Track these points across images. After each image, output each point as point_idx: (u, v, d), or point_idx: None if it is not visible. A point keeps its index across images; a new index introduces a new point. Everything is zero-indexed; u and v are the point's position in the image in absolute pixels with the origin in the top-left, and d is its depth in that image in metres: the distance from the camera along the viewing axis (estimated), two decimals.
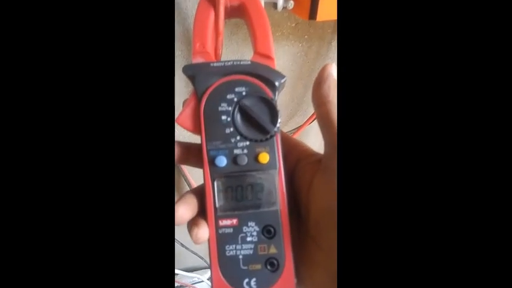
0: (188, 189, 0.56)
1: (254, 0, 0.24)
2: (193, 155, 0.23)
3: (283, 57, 0.41)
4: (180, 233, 0.57)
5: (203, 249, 0.63)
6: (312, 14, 0.32)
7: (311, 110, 0.46)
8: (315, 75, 0.47)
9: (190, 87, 0.44)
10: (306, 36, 0.40)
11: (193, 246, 0.61)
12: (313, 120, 0.44)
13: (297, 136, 0.46)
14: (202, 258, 0.64)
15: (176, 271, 0.57)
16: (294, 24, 0.38)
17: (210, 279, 0.22)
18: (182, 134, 0.45)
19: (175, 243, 0.59)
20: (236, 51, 0.38)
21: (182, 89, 0.41)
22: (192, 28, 0.23)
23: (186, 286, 0.64)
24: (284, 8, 0.33)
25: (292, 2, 0.33)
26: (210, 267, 0.22)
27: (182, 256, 0.61)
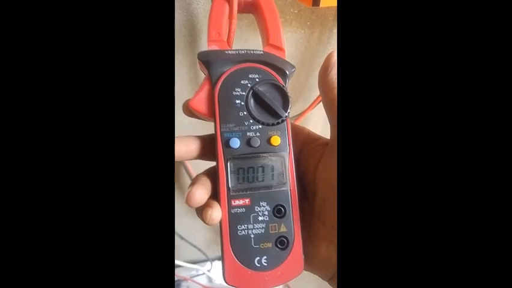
0: (188, 180, 0.58)
1: None
2: (210, 147, 0.24)
3: (286, 43, 0.43)
4: (178, 225, 0.59)
5: (201, 242, 0.64)
6: (316, 0, 0.35)
7: (313, 96, 0.49)
8: (317, 61, 0.50)
9: (192, 73, 0.46)
10: (308, 23, 0.42)
11: (192, 238, 0.63)
12: (314, 106, 0.47)
13: (299, 122, 0.49)
14: (200, 250, 0.65)
15: (176, 262, 0.60)
16: (296, 11, 0.41)
17: (221, 260, 0.23)
18: (183, 122, 0.47)
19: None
20: (239, 36, 0.40)
21: (184, 75, 0.43)
22: (208, 18, 0.26)
23: (185, 280, 0.66)
24: None
25: None
26: (221, 248, 0.23)
27: (180, 249, 0.63)
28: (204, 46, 0.42)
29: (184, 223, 0.60)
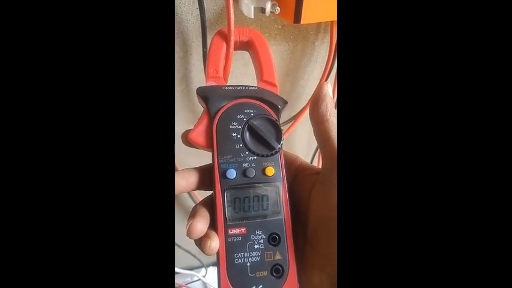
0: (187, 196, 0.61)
1: (260, 37, 0.29)
2: (208, 178, 0.26)
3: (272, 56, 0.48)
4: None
5: (195, 248, 0.68)
6: (297, 18, 0.39)
7: (298, 106, 0.52)
8: (301, 71, 0.55)
9: (183, 85, 0.50)
10: (291, 37, 0.45)
11: (186, 245, 0.66)
12: (302, 115, 0.52)
13: (290, 132, 0.53)
14: (195, 256, 0.69)
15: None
16: (280, 26, 0.44)
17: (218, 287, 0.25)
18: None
19: None
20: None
21: (176, 87, 0.48)
22: (207, 53, 0.29)
23: (180, 287, 0.69)
24: (272, 12, 0.41)
25: (278, 8, 0.40)
26: (217, 277, 0.25)
27: (175, 256, 0.67)
28: (194, 61, 0.45)
29: (179, 230, 0.64)
